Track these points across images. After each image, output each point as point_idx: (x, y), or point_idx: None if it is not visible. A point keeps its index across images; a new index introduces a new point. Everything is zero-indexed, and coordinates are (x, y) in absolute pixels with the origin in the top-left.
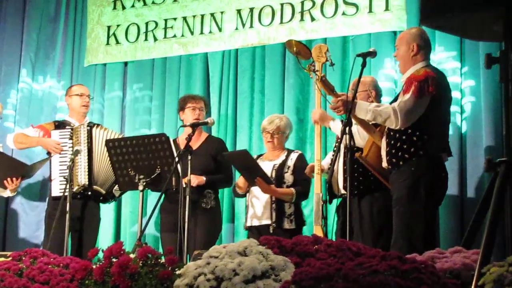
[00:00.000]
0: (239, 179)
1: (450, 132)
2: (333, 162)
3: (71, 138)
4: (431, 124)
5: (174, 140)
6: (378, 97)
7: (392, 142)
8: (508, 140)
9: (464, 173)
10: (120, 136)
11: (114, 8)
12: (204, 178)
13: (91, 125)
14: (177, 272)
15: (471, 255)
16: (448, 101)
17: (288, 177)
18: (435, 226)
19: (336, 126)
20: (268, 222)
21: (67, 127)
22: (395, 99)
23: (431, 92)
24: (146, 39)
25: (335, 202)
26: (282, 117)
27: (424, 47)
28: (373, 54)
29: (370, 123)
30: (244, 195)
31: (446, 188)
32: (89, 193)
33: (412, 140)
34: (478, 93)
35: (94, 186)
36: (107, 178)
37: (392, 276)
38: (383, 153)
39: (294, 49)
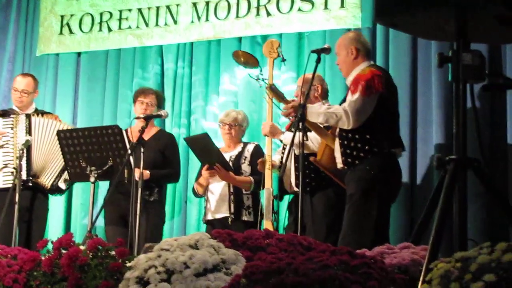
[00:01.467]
0: (196, 184)
1: (402, 129)
2: (285, 159)
3: (12, 128)
4: (382, 121)
5: (125, 131)
6: (324, 93)
7: (346, 142)
8: (458, 138)
9: (414, 170)
10: (65, 125)
11: None
12: (149, 173)
13: (32, 114)
14: (128, 265)
15: (420, 251)
16: (395, 97)
17: (245, 168)
18: (387, 223)
19: (287, 137)
20: (227, 214)
21: (11, 115)
22: (343, 100)
23: (378, 90)
24: (100, 30)
25: (286, 198)
26: (239, 111)
27: (362, 49)
28: (327, 50)
29: (322, 125)
30: (203, 196)
31: (400, 185)
32: (30, 184)
33: (365, 139)
34: (430, 92)
35: (33, 179)
36: (48, 169)
37: (341, 271)
38: (337, 154)
39: (242, 59)
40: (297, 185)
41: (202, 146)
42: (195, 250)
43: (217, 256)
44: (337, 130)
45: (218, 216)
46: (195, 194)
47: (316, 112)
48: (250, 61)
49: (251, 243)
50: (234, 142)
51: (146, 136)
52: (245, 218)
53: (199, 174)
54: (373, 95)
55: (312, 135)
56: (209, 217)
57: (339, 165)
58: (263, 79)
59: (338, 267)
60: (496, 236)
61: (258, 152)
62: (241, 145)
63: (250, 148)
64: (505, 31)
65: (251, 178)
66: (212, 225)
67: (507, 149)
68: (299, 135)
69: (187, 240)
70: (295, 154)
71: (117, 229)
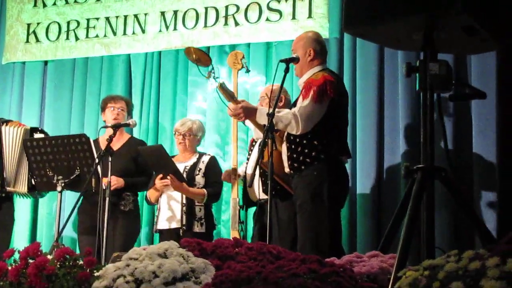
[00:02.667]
0: (150, 191)
1: (369, 138)
2: (254, 167)
3: None
4: (330, 127)
5: (95, 141)
6: (287, 105)
7: (293, 146)
8: (426, 147)
9: (381, 178)
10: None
11: (35, 5)
12: (123, 181)
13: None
14: (96, 274)
15: (388, 259)
16: (345, 104)
17: (199, 179)
18: (340, 228)
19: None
20: (178, 225)
21: None
22: (294, 104)
23: (330, 96)
24: (67, 38)
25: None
26: (194, 120)
27: (320, 52)
28: (296, 60)
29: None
30: (155, 204)
31: (347, 190)
32: (3, 195)
33: (313, 144)
34: (396, 101)
35: (8, 188)
36: (22, 176)
37: (311, 279)
38: (284, 158)
39: (194, 56)
40: (264, 191)
41: (156, 156)
42: (164, 259)
43: (187, 265)
44: (285, 133)
45: (170, 226)
46: (148, 202)
47: (265, 114)
48: (202, 58)
49: (220, 251)
50: (188, 152)
51: (117, 144)
52: (196, 229)
53: (153, 182)
54: (324, 102)
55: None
56: (160, 226)
57: (286, 169)
58: (214, 78)
59: (307, 275)
60: (462, 244)
61: (213, 164)
62: (196, 155)
63: (205, 159)
64: (471, 42)
65: (205, 190)
66: (163, 235)
67: (473, 157)
68: (268, 142)
69: (156, 249)
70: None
71: (90, 238)
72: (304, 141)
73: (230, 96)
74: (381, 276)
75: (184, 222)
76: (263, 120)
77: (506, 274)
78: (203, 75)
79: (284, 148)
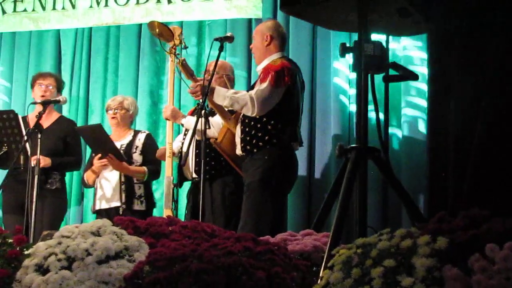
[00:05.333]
0: (87, 173)
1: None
2: (186, 146)
3: None
4: (284, 113)
5: (24, 118)
6: (232, 84)
7: (247, 129)
8: (359, 127)
9: (312, 160)
10: None
11: None
12: (50, 160)
13: None
14: (26, 252)
15: (321, 238)
16: (300, 92)
17: (137, 157)
18: (283, 213)
19: (188, 122)
20: (118, 204)
21: None
22: (251, 88)
23: (287, 82)
24: None
25: (186, 185)
26: (126, 97)
27: (277, 38)
28: (230, 39)
29: (227, 109)
30: (92, 186)
31: (296, 177)
32: None
33: (266, 129)
34: (329, 82)
35: None
36: None
37: (246, 257)
38: (238, 140)
39: (157, 30)
40: (196, 172)
41: (95, 136)
42: (97, 237)
43: (120, 243)
44: (241, 116)
45: (109, 205)
46: (84, 184)
47: (223, 95)
48: (164, 33)
49: (154, 230)
50: (121, 128)
51: (46, 123)
52: (136, 207)
53: (89, 164)
54: (281, 88)
55: (214, 121)
56: (99, 206)
57: (238, 151)
58: (175, 54)
59: (242, 253)
60: (390, 224)
61: (150, 141)
62: (131, 133)
63: (141, 137)
64: (405, 23)
65: (145, 168)
66: (102, 215)
67: (402, 139)
68: (201, 121)
69: (88, 227)
70: (196, 140)
71: (15, 217)
72: (258, 125)
73: (190, 74)
74: (315, 254)
75: (123, 201)
76: (220, 100)
77: (436, 251)
78: (165, 51)
79: (238, 130)
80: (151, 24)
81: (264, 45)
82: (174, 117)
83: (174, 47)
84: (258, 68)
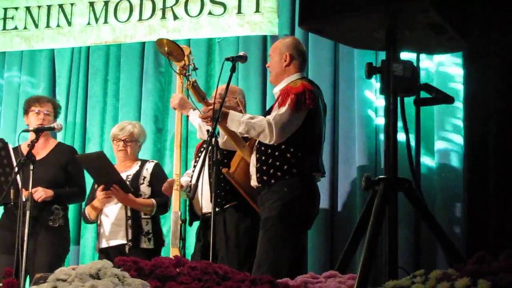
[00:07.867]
0: (89, 206)
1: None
2: (197, 177)
3: None
4: (305, 140)
5: (16, 148)
6: (244, 109)
7: (264, 158)
8: (388, 156)
9: (335, 192)
10: None
11: None
12: (52, 192)
13: None
14: None
15: (347, 280)
16: (322, 117)
17: (145, 189)
18: (304, 252)
19: (194, 117)
20: (123, 241)
21: None
22: (268, 112)
23: (308, 105)
24: None
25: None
26: (134, 124)
27: (298, 58)
28: (243, 58)
29: (241, 136)
30: (95, 221)
31: (317, 211)
32: None
33: (285, 157)
34: (352, 106)
35: None
36: None
37: None
38: (253, 170)
39: (166, 48)
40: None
41: (98, 165)
42: (96, 281)
43: (122, 286)
44: (256, 143)
45: (114, 243)
46: (86, 220)
47: (238, 120)
48: (175, 52)
49: (160, 272)
50: (130, 159)
51: (43, 152)
52: (144, 245)
53: (91, 196)
54: (302, 112)
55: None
56: (103, 244)
57: (253, 182)
58: (186, 75)
59: None
60: (423, 264)
61: (158, 171)
62: (138, 163)
63: (149, 166)
64: (438, 41)
65: (153, 200)
66: (107, 254)
67: (435, 168)
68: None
69: (87, 269)
70: (209, 169)
71: (11, 258)
72: (276, 153)
73: (201, 97)
74: None
75: (129, 238)
76: (234, 126)
77: None
78: (174, 71)
79: (253, 159)
80: (159, 42)
81: (283, 65)
82: (182, 107)
83: (184, 67)
84: (276, 90)
